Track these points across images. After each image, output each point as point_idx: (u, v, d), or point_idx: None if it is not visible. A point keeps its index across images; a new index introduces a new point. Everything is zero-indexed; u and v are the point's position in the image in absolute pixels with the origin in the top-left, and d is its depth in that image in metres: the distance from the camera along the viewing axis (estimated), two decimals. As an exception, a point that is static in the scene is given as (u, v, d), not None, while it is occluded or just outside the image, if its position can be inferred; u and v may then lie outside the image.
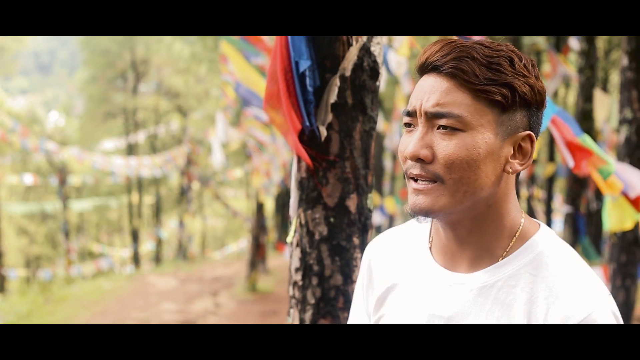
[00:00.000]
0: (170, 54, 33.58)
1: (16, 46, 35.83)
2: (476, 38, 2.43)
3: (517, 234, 1.64)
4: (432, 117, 1.57)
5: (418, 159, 1.58)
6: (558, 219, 24.21)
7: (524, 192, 25.46)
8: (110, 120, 36.84)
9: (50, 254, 41.30)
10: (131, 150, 34.92)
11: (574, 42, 13.86)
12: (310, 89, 2.42)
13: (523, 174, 20.90)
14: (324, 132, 2.46)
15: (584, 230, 11.55)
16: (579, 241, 11.41)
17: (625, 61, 6.57)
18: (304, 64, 2.37)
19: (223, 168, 31.80)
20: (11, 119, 25.27)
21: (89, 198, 39.58)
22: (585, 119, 11.47)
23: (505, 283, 1.60)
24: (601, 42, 18.81)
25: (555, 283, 1.56)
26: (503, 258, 1.63)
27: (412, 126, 1.63)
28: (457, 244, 1.67)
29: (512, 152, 1.60)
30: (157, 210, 38.79)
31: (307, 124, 2.41)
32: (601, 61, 16.72)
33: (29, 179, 31.72)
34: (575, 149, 3.83)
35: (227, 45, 7.06)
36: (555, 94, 20.15)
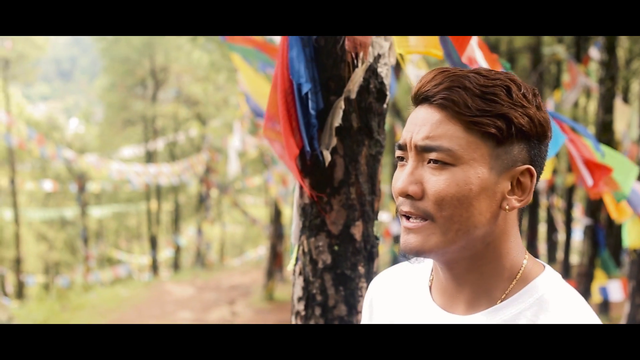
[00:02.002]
0: (189, 61, 33.62)
1: (36, 53, 35.99)
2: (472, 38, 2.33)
3: (518, 276, 1.53)
4: (422, 151, 1.48)
5: (407, 195, 1.49)
6: (578, 229, 23.98)
7: (544, 201, 25.31)
8: (130, 127, 36.92)
9: (69, 260, 41.46)
10: (150, 157, 34.96)
11: (594, 52, 13.71)
12: (312, 112, 2.31)
13: (542, 184, 20.75)
14: (327, 156, 2.36)
15: (603, 242, 11.40)
16: (599, 254, 11.28)
17: (646, 73, 6.43)
18: (306, 87, 2.27)
19: (241, 175, 31.81)
20: (29, 127, 25.38)
21: (108, 205, 39.72)
22: (605, 131, 11.32)
23: None
24: (622, 51, 18.64)
25: None
26: (502, 301, 1.52)
27: (404, 160, 1.54)
28: (454, 284, 1.57)
29: (509, 187, 1.49)
30: (176, 218, 38.85)
31: (308, 148, 2.32)
32: (622, 70, 16.55)
33: (48, 185, 31.86)
34: (594, 167, 3.72)
35: (236, 57, 6.96)
36: (575, 104, 20.00)
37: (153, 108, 34.56)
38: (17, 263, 32.52)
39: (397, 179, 1.52)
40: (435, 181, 1.45)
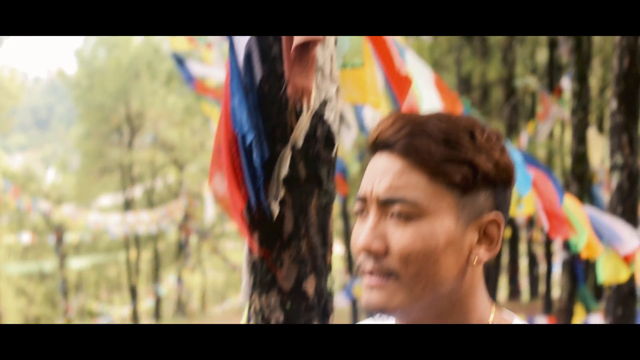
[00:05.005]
0: (164, 106, 33.56)
1: (11, 103, 35.83)
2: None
3: None
4: (384, 204, 1.36)
5: (370, 252, 1.36)
6: (559, 262, 24.01)
7: (523, 234, 25.27)
8: (107, 175, 36.68)
9: (49, 314, 40.85)
10: (128, 205, 34.69)
11: (566, 83, 13.74)
12: (257, 162, 2.19)
13: (522, 218, 20.70)
14: (275, 209, 2.23)
15: (582, 276, 11.30)
16: (577, 289, 11.15)
17: (614, 104, 6.35)
18: (249, 136, 2.15)
19: (220, 221, 31.62)
20: (4, 178, 25.19)
21: (87, 255, 39.26)
22: (579, 162, 11.27)
23: None
24: (595, 80, 18.67)
25: None
26: None
27: (365, 213, 1.41)
28: None
29: (476, 238, 1.38)
30: (156, 266, 38.40)
31: (253, 202, 2.20)
32: (595, 99, 16.60)
33: (26, 237, 31.57)
34: (552, 216, 3.69)
35: (206, 105, 6.91)
36: (550, 136, 20.05)
37: (129, 155, 34.35)
38: (-4, 318, 32.10)
39: (359, 235, 1.39)
40: (400, 236, 1.34)
